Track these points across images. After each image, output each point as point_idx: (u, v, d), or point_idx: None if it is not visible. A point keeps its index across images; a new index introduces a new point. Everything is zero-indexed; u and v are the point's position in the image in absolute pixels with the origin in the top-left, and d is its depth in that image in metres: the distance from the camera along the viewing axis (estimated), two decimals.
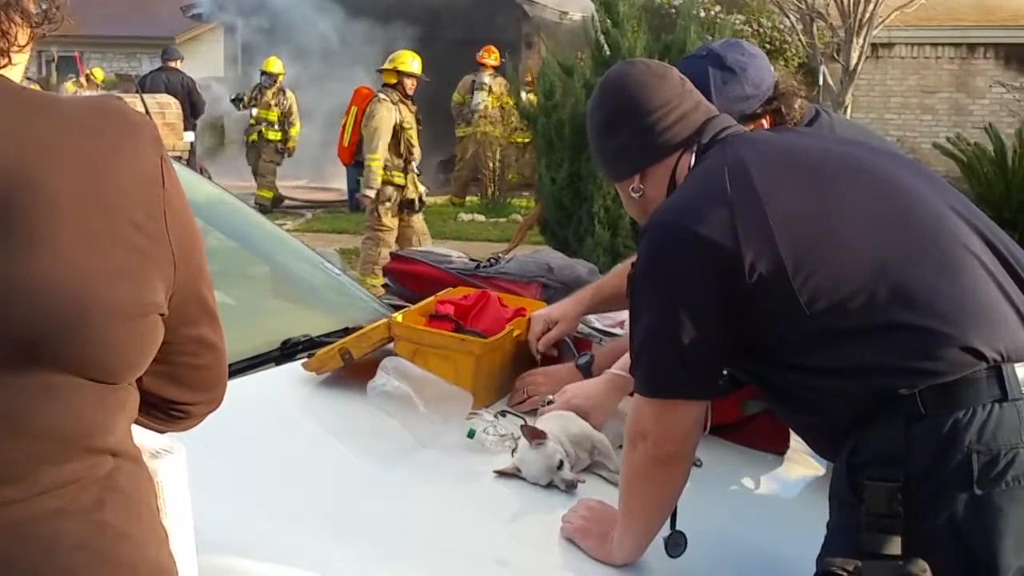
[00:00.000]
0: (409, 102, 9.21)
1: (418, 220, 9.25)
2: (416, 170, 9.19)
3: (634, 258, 2.07)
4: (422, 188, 9.22)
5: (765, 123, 2.59)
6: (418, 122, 9.37)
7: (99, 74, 17.35)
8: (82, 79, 16.85)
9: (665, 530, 2.01)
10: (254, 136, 15.10)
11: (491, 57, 14.87)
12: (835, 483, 1.92)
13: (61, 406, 1.24)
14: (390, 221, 9.03)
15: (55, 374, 1.23)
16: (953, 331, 1.79)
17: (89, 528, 1.27)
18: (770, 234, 1.84)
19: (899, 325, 1.80)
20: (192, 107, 14.66)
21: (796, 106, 2.63)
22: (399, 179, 9.02)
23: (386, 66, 9.35)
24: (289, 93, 15.33)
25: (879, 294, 1.82)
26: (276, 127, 15.14)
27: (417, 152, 9.18)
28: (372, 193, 8.90)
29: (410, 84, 9.21)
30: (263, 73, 15.19)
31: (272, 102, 15.08)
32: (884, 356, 1.81)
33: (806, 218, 1.89)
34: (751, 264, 1.84)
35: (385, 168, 8.94)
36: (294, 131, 15.34)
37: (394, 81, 9.20)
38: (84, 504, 1.27)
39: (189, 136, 14.18)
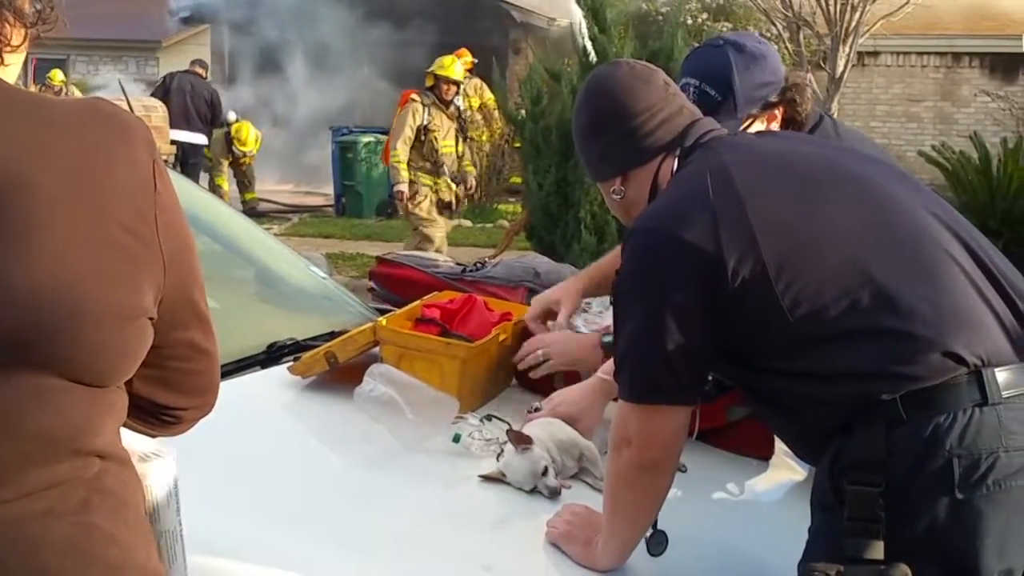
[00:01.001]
0: (445, 107, 9.25)
1: (440, 233, 9.26)
2: (454, 176, 9.25)
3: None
4: (456, 189, 9.29)
5: (779, 113, 2.59)
6: (461, 128, 9.44)
7: (56, 76, 17.32)
8: (31, 86, 16.82)
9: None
10: (229, 159, 15.08)
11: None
12: (817, 488, 1.93)
13: (49, 408, 1.24)
14: (429, 213, 9.07)
15: (43, 376, 1.23)
16: (934, 336, 1.80)
17: (76, 530, 1.26)
18: (753, 239, 1.85)
19: (881, 330, 1.81)
20: (213, 116, 14.67)
21: (808, 95, 2.64)
22: (427, 181, 9.07)
23: (428, 68, 9.47)
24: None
25: (861, 299, 1.83)
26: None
27: (449, 157, 9.22)
28: (402, 187, 8.94)
29: (446, 89, 9.26)
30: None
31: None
32: (866, 361, 1.82)
33: (789, 223, 1.90)
34: (734, 269, 1.84)
35: (410, 168, 8.99)
36: (256, 148, 15.32)
37: (431, 84, 9.29)
38: (71, 506, 1.26)
39: (198, 138, 14.21)
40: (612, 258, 2.61)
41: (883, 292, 1.83)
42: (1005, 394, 1.78)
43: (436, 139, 9.09)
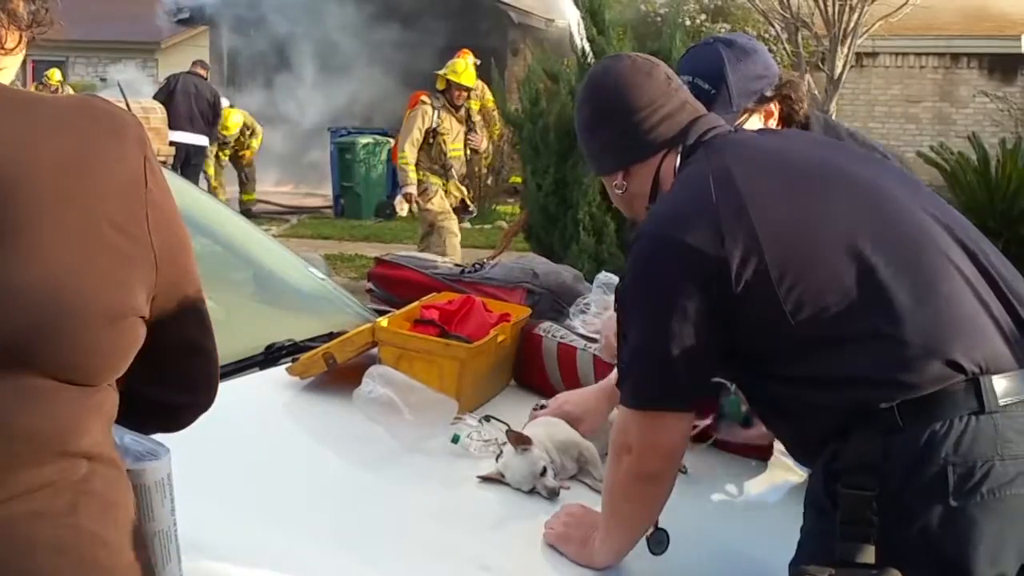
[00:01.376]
0: (455, 110, 9.16)
1: (456, 226, 9.17)
2: (463, 179, 9.20)
3: None
4: (465, 191, 9.21)
5: (775, 109, 2.60)
6: (471, 131, 9.32)
7: (54, 76, 17.34)
8: (31, 87, 16.86)
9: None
10: (227, 153, 14.97)
11: None
12: (811, 490, 1.92)
13: (38, 409, 1.23)
14: (441, 207, 8.96)
15: (32, 377, 1.22)
16: (934, 344, 1.79)
17: (65, 532, 1.26)
18: (756, 241, 1.84)
19: (880, 336, 1.80)
20: (215, 117, 14.64)
21: (803, 93, 2.65)
22: (436, 182, 8.99)
23: (439, 72, 9.35)
24: (244, 114, 15.18)
25: (861, 304, 1.82)
26: (245, 144, 15.07)
27: (457, 161, 9.14)
28: (410, 189, 8.87)
29: (458, 94, 9.16)
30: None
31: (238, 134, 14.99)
32: (864, 368, 1.81)
33: (791, 226, 1.88)
34: (738, 272, 1.83)
35: (419, 169, 8.93)
36: (256, 142, 15.17)
37: (442, 87, 9.18)
38: (58, 508, 1.26)
39: (200, 140, 14.18)
40: None
41: (883, 297, 1.82)
42: (1002, 402, 1.77)
43: (445, 142, 9.00)
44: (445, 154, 9.02)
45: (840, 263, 1.85)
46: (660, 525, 2.02)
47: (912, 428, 1.76)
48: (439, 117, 9.01)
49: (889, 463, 1.77)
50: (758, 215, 1.87)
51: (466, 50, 10.60)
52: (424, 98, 9.10)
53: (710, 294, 1.85)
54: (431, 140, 8.99)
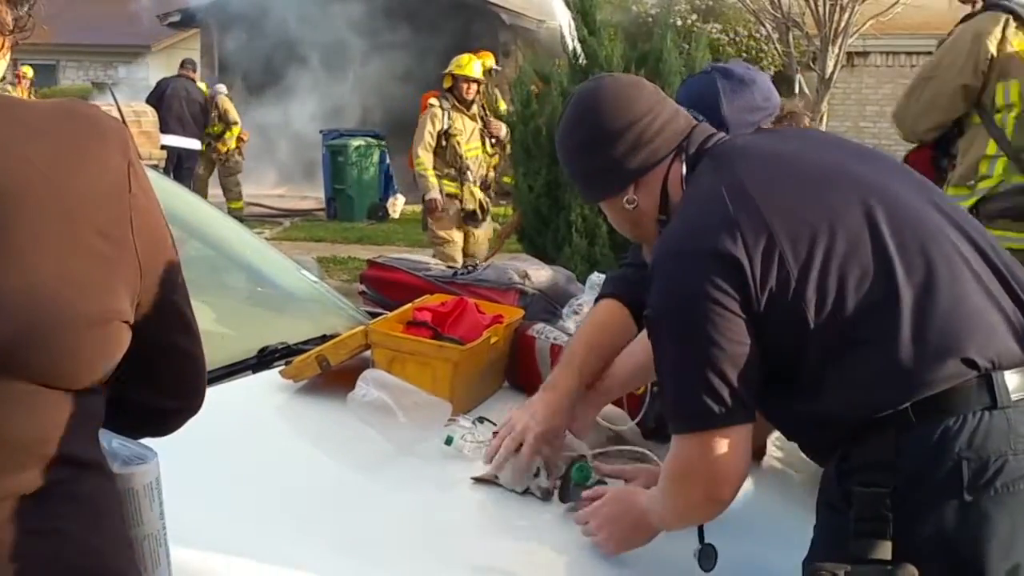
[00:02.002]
0: (466, 108, 8.78)
1: (481, 236, 8.85)
2: (482, 181, 8.82)
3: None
4: (481, 196, 8.79)
5: None
6: (485, 127, 8.93)
7: (28, 71, 17.40)
8: (23, 93, 16.88)
9: (695, 542, 2.00)
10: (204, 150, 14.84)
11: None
12: (824, 488, 1.92)
13: (22, 414, 1.23)
14: (447, 233, 8.64)
15: (16, 382, 1.21)
16: (947, 341, 1.79)
17: (48, 539, 1.25)
18: (777, 249, 1.83)
19: (894, 337, 1.79)
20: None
21: (806, 123, 2.63)
22: (451, 188, 8.65)
23: (446, 70, 9.00)
24: (221, 99, 14.89)
25: (875, 304, 1.81)
26: (222, 138, 14.86)
27: (475, 162, 8.77)
28: (434, 195, 8.50)
29: (467, 89, 8.77)
30: None
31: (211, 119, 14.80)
32: (880, 370, 1.80)
33: (808, 230, 1.86)
34: (761, 280, 1.82)
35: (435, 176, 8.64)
36: (230, 133, 14.82)
37: (449, 85, 8.81)
38: (43, 513, 1.25)
39: (192, 143, 14.14)
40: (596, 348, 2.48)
41: (896, 296, 1.81)
42: (1015, 397, 1.78)
43: (459, 143, 8.65)
44: (461, 156, 8.66)
45: (854, 263, 1.84)
46: (706, 540, 2.00)
47: (925, 425, 1.77)
48: (450, 118, 8.65)
49: (903, 460, 1.77)
50: (774, 220, 1.85)
51: (484, 52, 10.22)
52: (432, 100, 8.77)
53: (739, 301, 1.83)
54: (444, 143, 8.64)
